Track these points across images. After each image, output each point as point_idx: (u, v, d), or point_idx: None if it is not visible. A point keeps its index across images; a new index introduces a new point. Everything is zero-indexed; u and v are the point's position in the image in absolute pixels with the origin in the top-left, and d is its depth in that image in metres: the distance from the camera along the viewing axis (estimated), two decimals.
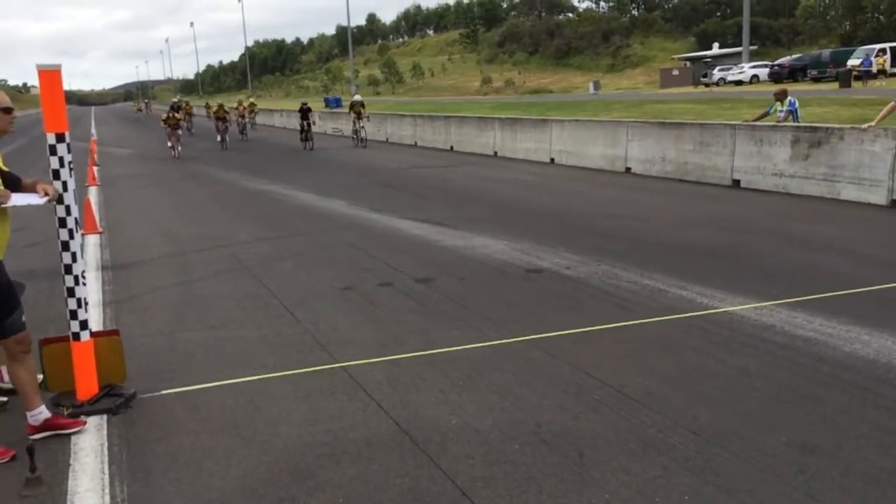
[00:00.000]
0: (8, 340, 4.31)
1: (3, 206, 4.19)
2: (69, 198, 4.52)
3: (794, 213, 11.07)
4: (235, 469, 3.94)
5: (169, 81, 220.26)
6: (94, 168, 20.62)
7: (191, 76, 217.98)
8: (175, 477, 3.86)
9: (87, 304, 4.72)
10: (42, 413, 4.41)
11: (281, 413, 4.60)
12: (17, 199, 4.27)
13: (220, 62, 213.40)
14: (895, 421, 4.22)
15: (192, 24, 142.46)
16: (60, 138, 4.52)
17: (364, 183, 16.58)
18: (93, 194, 15.34)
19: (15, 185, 4.38)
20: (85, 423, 4.46)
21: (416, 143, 27.32)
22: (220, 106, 31.35)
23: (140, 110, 73.81)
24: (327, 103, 65.79)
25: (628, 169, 16.63)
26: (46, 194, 4.33)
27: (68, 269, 4.59)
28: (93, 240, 10.57)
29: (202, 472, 3.92)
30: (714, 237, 9.37)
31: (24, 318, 4.41)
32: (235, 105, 32.69)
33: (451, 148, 24.51)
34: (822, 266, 7.75)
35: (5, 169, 4.43)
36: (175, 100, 39.32)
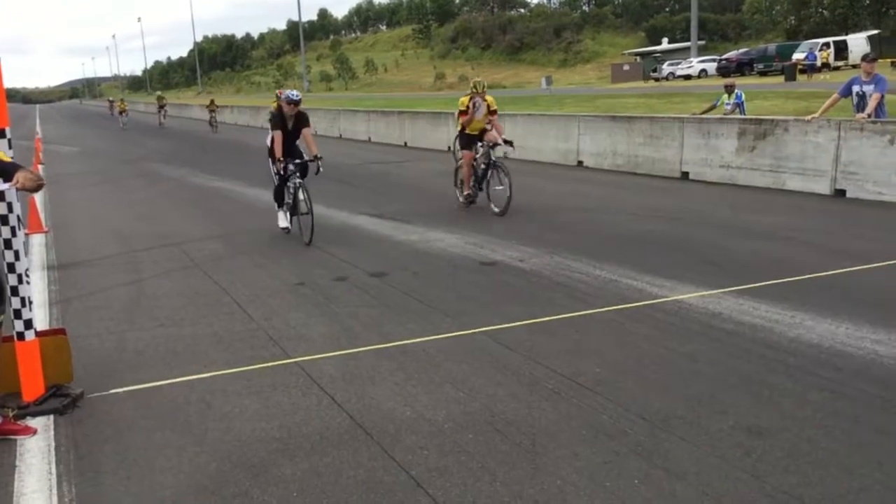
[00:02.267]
0: None
1: None
2: (10, 195, 4.41)
3: (741, 203, 11.29)
4: (187, 466, 3.90)
5: (116, 78, 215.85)
6: (40, 167, 20.14)
7: (139, 72, 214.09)
8: (125, 476, 3.81)
9: (31, 302, 4.62)
10: None
11: (233, 409, 4.56)
12: None
13: (169, 58, 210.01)
14: (837, 403, 4.34)
15: (139, 19, 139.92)
16: (0, 133, 4.41)
17: (317, 179, 16.44)
18: (38, 193, 14.95)
19: (12, 176, 4.24)
20: (35, 431, 4.35)
21: (369, 138, 27.23)
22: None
23: (124, 112, 44.75)
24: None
25: (580, 162, 16.78)
26: (17, 181, 4.19)
27: (11, 268, 4.49)
28: (38, 239, 10.34)
29: (153, 470, 3.87)
30: (664, 228, 9.52)
31: (1, 318, 4.30)
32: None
33: (405, 143, 24.46)
34: (768, 254, 7.93)
35: (6, 159, 4.31)
36: (293, 92, 9.87)
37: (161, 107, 43.95)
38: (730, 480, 3.55)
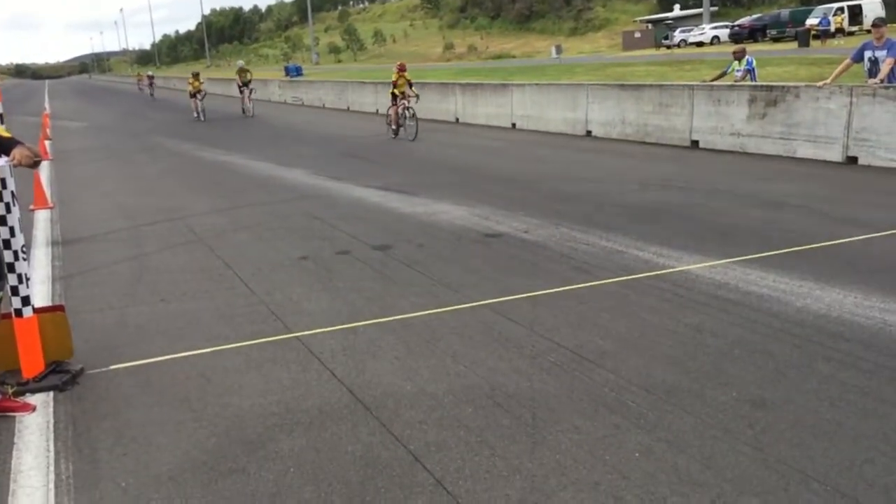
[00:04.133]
0: None
1: None
2: (4, 171, 4.36)
3: (751, 171, 11.14)
4: (185, 442, 3.87)
5: (125, 52, 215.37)
6: (46, 142, 20.13)
7: (147, 47, 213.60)
8: (122, 453, 3.79)
9: (28, 279, 4.59)
10: None
11: (233, 385, 4.53)
12: None
13: (177, 32, 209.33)
14: (844, 373, 4.27)
15: None
16: None
17: (323, 152, 16.38)
18: (44, 168, 14.95)
19: (6, 150, 4.18)
20: (34, 408, 4.34)
21: (377, 110, 26.99)
22: None
23: (198, 93, 27.81)
24: (287, 72, 64.75)
25: (589, 132, 16.61)
26: (14, 158, 4.13)
27: (7, 244, 4.45)
28: (43, 215, 10.33)
29: (151, 446, 3.85)
30: (672, 198, 9.41)
31: (0, 295, 4.28)
32: None
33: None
34: (777, 223, 7.81)
35: (5, 135, 4.25)
36: None
37: (244, 84, 28.73)
38: (732, 453, 3.49)
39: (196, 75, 28.83)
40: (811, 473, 3.30)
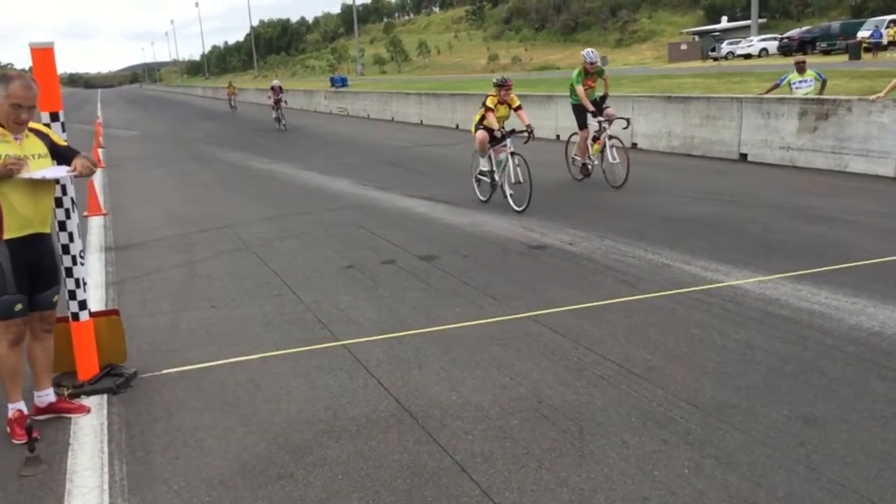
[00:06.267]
0: (33, 315, 4.28)
1: (20, 176, 3.96)
2: (65, 178, 4.48)
3: (802, 186, 10.96)
4: (235, 447, 3.94)
5: (175, 63, 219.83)
6: (99, 150, 20.60)
7: (197, 57, 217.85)
8: (174, 455, 3.86)
9: (85, 284, 4.71)
10: (48, 395, 4.42)
11: (281, 391, 4.60)
12: (46, 172, 4.14)
13: (226, 43, 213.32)
14: None
15: (197, 3, 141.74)
16: (54, 117, 4.49)
17: (369, 161, 16.51)
18: (97, 176, 15.30)
19: (68, 160, 4.29)
20: (89, 410, 4.45)
21: (421, 121, 27.18)
22: None
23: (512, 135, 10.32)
24: (333, 83, 65.47)
25: (634, 144, 16.47)
26: (76, 168, 4.23)
27: (66, 249, 4.57)
28: (97, 221, 10.57)
29: (202, 450, 3.92)
30: (720, 211, 9.29)
31: (55, 298, 4.38)
32: None
33: (457, 126, 24.33)
34: (829, 239, 7.68)
35: (62, 143, 4.37)
36: None
37: (514, 109, 11.55)
38: (784, 471, 3.44)
39: (506, 85, 11.83)
40: (865, 494, 3.24)
